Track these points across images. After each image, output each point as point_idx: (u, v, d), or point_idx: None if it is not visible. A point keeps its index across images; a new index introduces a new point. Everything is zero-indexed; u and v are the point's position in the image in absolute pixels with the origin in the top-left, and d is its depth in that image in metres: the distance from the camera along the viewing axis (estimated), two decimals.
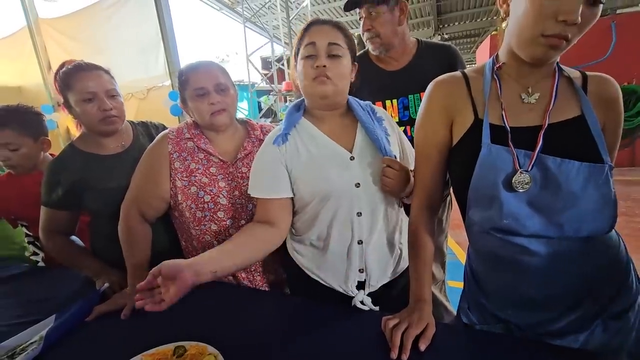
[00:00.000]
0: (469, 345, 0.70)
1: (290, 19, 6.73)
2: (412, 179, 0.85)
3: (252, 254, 0.80)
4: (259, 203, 0.87)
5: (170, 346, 0.69)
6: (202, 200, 0.95)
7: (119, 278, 1.00)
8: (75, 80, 1.01)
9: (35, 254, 1.30)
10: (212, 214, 0.97)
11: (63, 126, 4.89)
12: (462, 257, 2.80)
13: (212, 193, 0.96)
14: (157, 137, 1.03)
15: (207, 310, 0.85)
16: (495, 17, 10.40)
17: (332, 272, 0.88)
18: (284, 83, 8.14)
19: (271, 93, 8.51)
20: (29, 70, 5.07)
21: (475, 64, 7.59)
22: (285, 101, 9.36)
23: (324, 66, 0.80)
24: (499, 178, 0.64)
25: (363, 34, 1.27)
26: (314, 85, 0.82)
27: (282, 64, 8.40)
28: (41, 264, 1.29)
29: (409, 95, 1.29)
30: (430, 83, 0.76)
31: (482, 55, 6.78)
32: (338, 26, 0.85)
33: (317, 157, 0.85)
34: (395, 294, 0.92)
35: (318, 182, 0.83)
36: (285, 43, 8.37)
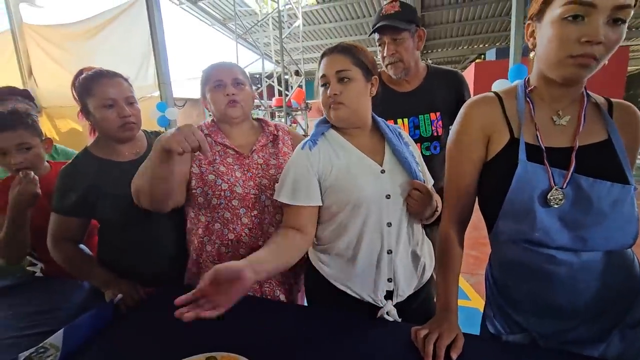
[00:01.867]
0: (495, 356, 0.71)
1: (283, 37, 6.88)
2: (434, 202, 0.88)
3: (289, 259, 0.82)
4: (289, 209, 0.88)
5: (201, 357, 0.67)
6: (220, 187, 0.97)
7: (130, 288, 0.97)
8: (97, 86, 1.00)
9: (32, 264, 1.23)
10: (227, 202, 0.98)
11: None
12: None
13: (229, 182, 0.98)
14: None
15: (232, 322, 0.83)
16: (476, 46, 10.99)
17: (361, 282, 0.88)
18: (274, 99, 8.21)
19: (260, 108, 8.56)
20: (8, 74, 4.92)
21: None
22: (273, 117, 9.42)
23: (335, 94, 0.87)
24: (535, 193, 0.67)
25: (383, 59, 1.32)
26: (330, 112, 0.89)
27: (273, 81, 8.50)
28: (39, 274, 1.23)
29: (419, 116, 1.35)
30: (466, 103, 0.79)
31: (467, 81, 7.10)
32: (346, 50, 0.89)
33: (350, 166, 0.87)
34: (415, 307, 0.93)
35: (351, 190, 0.85)
36: (276, 61, 8.51)
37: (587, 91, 0.73)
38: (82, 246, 1.08)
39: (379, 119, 0.96)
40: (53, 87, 4.92)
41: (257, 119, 1.17)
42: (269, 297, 1.04)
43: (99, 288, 1.00)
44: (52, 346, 0.72)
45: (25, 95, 1.53)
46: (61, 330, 0.75)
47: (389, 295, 0.89)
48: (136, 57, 5.17)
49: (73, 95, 1.05)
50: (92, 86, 1.00)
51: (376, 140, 0.95)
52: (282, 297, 1.05)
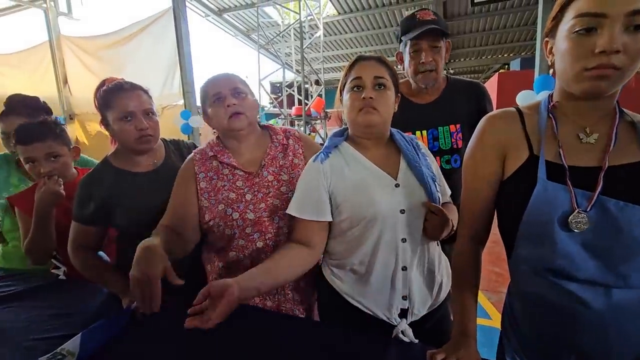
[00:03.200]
0: None
1: (304, 47, 6.97)
2: (451, 223, 0.85)
3: (289, 274, 0.82)
4: (298, 223, 0.87)
5: None
6: (231, 217, 0.95)
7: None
8: (116, 99, 1.02)
9: (56, 267, 1.28)
10: (240, 231, 0.96)
11: (72, 136, 4.99)
12: None
13: (239, 210, 0.95)
14: (185, 161, 1.03)
15: (245, 334, 0.83)
16: (500, 56, 10.76)
17: (375, 299, 0.86)
18: (293, 108, 8.32)
19: (279, 117, 8.68)
20: (44, 83, 5.23)
21: None
22: (293, 125, 9.53)
23: (371, 98, 0.84)
24: (554, 215, 0.61)
25: (417, 66, 1.26)
26: (360, 115, 0.86)
27: (293, 90, 8.62)
28: (62, 277, 1.27)
29: (439, 127, 1.32)
30: (484, 117, 0.76)
31: (489, 91, 6.95)
32: (382, 61, 0.90)
33: (364, 180, 0.86)
34: (430, 327, 0.89)
35: (366, 205, 0.83)
36: (296, 70, 8.63)
37: (621, 108, 0.66)
38: (101, 253, 1.11)
39: (394, 131, 0.95)
40: (85, 94, 5.19)
41: (264, 127, 1.11)
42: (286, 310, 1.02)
43: (116, 294, 1.02)
44: (69, 353, 0.73)
45: (33, 105, 1.46)
46: (78, 335, 0.76)
47: (403, 313, 0.86)
48: (163, 67, 5.38)
49: (95, 106, 1.09)
50: (111, 99, 1.02)
51: (391, 152, 0.93)
52: (301, 316, 1.04)
